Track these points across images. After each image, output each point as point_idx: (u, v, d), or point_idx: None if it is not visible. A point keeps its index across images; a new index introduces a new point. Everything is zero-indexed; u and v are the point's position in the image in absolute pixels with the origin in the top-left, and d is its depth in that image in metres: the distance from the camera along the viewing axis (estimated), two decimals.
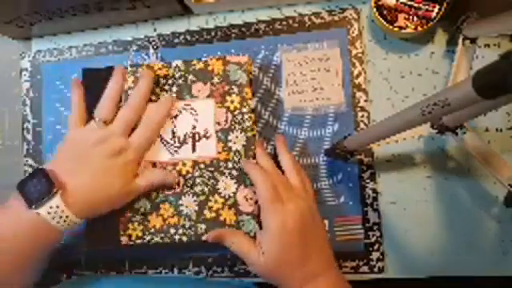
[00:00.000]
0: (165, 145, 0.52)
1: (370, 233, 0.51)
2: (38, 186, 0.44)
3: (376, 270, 0.51)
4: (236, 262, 0.53)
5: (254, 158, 0.51)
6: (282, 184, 0.47)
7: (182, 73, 0.53)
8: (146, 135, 0.50)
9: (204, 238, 0.49)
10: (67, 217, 0.44)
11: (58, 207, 0.43)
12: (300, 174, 0.49)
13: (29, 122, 0.59)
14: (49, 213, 0.43)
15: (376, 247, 0.51)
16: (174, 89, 0.53)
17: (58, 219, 0.44)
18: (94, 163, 0.47)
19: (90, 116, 0.51)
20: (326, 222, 0.51)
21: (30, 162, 0.59)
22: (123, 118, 0.50)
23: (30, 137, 0.59)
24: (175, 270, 0.54)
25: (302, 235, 0.44)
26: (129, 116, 0.50)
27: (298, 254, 0.44)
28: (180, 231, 0.50)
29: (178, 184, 0.51)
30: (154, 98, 0.53)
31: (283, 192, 0.46)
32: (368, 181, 0.52)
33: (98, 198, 0.47)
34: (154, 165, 0.52)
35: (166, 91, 0.53)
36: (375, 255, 0.51)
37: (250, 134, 0.51)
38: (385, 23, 0.50)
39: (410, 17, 0.50)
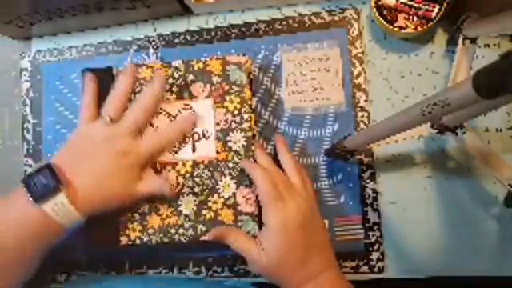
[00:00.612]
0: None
1: (370, 233, 0.51)
2: (44, 181, 0.43)
3: (376, 270, 0.51)
4: (236, 261, 0.53)
5: (254, 158, 0.51)
6: (283, 182, 0.47)
7: (182, 73, 0.53)
8: (157, 142, 0.49)
9: (205, 237, 0.49)
10: (70, 213, 0.44)
11: (62, 203, 0.43)
12: (300, 173, 0.49)
13: (29, 122, 0.59)
14: (53, 209, 0.43)
15: (376, 247, 0.51)
16: (174, 89, 0.53)
17: (61, 215, 0.43)
18: (99, 162, 0.47)
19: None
20: (326, 221, 0.51)
21: (30, 161, 0.59)
22: (132, 117, 0.48)
23: (29, 137, 0.59)
24: (175, 270, 0.54)
25: (303, 234, 0.44)
26: (138, 116, 0.49)
27: (298, 253, 0.44)
28: (179, 231, 0.50)
29: (177, 184, 0.51)
30: None
31: (284, 190, 0.46)
32: (368, 181, 0.52)
33: (101, 197, 0.46)
34: (158, 170, 0.51)
35: (166, 91, 0.53)
36: (375, 255, 0.51)
37: (249, 135, 0.51)
38: (385, 23, 0.50)
39: (410, 17, 0.50)
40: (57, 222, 0.43)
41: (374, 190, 0.51)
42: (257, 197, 0.49)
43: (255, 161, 0.50)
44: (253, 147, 0.51)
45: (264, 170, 0.48)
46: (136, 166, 0.48)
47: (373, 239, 0.51)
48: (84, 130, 0.49)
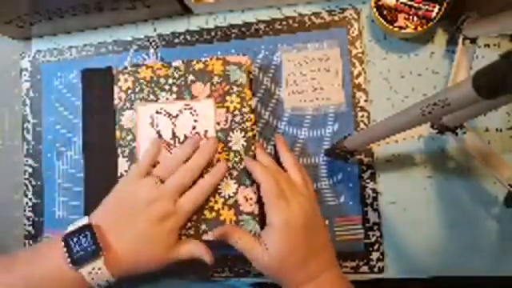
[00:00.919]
0: (165, 145, 0.52)
1: (370, 233, 0.51)
2: (85, 244, 0.43)
3: (376, 270, 0.51)
4: (236, 262, 0.53)
5: (255, 158, 0.51)
6: (285, 181, 0.47)
7: (182, 73, 0.53)
8: (195, 201, 0.48)
9: (207, 236, 0.49)
10: (106, 277, 0.43)
11: (99, 269, 0.43)
12: (301, 173, 0.49)
13: (29, 122, 0.59)
14: (89, 273, 0.43)
15: (376, 247, 0.51)
16: (174, 89, 0.53)
17: (96, 280, 0.43)
18: (140, 227, 0.46)
19: (92, 114, 0.51)
20: (326, 222, 0.51)
21: (30, 161, 0.59)
22: (177, 182, 0.48)
23: (29, 137, 0.59)
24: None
25: (305, 234, 0.45)
26: (184, 180, 0.48)
27: (300, 253, 0.44)
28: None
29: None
30: (153, 98, 0.53)
31: (286, 189, 0.46)
32: (368, 181, 0.52)
33: (139, 262, 0.45)
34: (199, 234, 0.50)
35: (166, 91, 0.53)
36: (375, 255, 0.51)
37: (249, 135, 0.51)
38: (385, 23, 0.50)
39: (410, 17, 0.50)
40: (91, 285, 0.43)
41: (374, 190, 0.51)
42: (258, 196, 0.49)
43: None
44: (253, 147, 0.51)
45: (266, 169, 0.48)
46: (175, 229, 0.47)
47: (373, 239, 0.51)
48: (131, 186, 0.48)
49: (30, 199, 0.58)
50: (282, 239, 0.44)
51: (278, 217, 0.45)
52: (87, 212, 0.52)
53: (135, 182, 0.48)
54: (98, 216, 0.47)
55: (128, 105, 0.53)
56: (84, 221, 0.45)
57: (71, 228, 0.44)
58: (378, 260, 0.51)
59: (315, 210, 0.47)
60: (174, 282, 0.53)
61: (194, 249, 0.47)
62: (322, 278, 0.44)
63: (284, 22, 0.55)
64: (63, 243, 0.43)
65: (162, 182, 0.48)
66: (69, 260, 0.42)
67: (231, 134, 0.51)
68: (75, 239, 0.43)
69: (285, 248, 0.44)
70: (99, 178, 0.53)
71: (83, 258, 0.42)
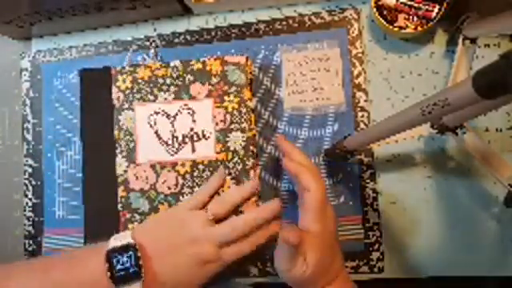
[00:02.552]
0: (164, 145, 0.52)
1: (370, 233, 0.51)
2: (127, 264, 0.41)
3: (376, 270, 0.51)
4: (236, 262, 0.53)
5: (254, 157, 0.51)
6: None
7: (180, 73, 0.53)
8: (240, 254, 0.45)
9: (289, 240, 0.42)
10: None
11: None
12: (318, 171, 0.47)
13: (29, 122, 0.59)
14: None
15: (376, 247, 0.51)
16: (172, 89, 0.53)
17: None
18: (182, 261, 0.44)
19: (90, 114, 0.51)
20: None
21: (30, 161, 0.59)
22: (227, 231, 0.45)
23: (29, 137, 0.59)
24: None
25: (330, 241, 0.44)
26: (237, 234, 0.45)
27: (330, 256, 0.43)
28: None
29: (176, 185, 0.51)
30: (152, 98, 0.53)
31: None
32: (368, 181, 0.52)
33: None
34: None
35: (164, 91, 0.53)
36: (375, 255, 0.51)
37: (248, 135, 0.51)
38: (385, 23, 0.50)
39: (410, 17, 0.50)
40: None
41: (373, 190, 0.51)
42: (258, 196, 0.49)
43: (257, 157, 0.50)
44: (252, 147, 0.51)
45: (314, 173, 0.44)
46: (214, 273, 0.45)
47: (373, 239, 0.51)
48: (184, 215, 0.46)
49: (30, 199, 0.58)
50: (321, 246, 0.42)
51: (319, 224, 0.43)
52: (86, 213, 0.52)
53: (188, 212, 0.46)
54: (142, 234, 0.45)
55: (126, 105, 0.53)
56: (128, 238, 0.43)
57: (115, 243, 0.43)
58: (378, 260, 0.51)
59: (333, 213, 0.45)
60: None
61: None
62: (340, 279, 0.43)
63: (284, 22, 0.55)
64: (105, 258, 0.42)
65: (215, 219, 0.46)
66: (109, 276, 0.41)
67: (230, 134, 0.51)
68: (119, 256, 0.42)
69: (322, 255, 0.42)
70: (98, 178, 0.53)
71: (124, 278, 0.41)
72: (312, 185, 0.43)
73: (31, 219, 0.58)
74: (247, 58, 0.53)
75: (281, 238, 0.41)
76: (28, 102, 0.60)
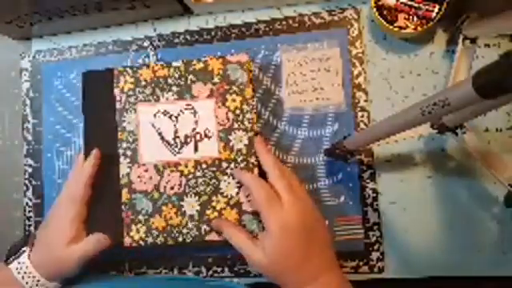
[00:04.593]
0: (167, 146, 0.52)
1: (370, 233, 0.51)
2: (16, 242, 0.47)
3: (376, 270, 0.51)
4: (236, 262, 0.53)
5: (256, 156, 0.51)
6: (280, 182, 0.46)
7: (182, 73, 0.53)
8: None
9: (210, 237, 0.49)
10: (34, 277, 0.46)
11: (24, 264, 0.45)
12: (285, 174, 0.47)
13: (29, 122, 0.59)
14: (17, 269, 0.45)
15: (376, 247, 0.51)
16: (175, 89, 0.53)
17: (26, 278, 0.45)
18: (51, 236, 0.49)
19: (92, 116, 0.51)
20: (326, 222, 0.51)
21: (30, 161, 0.59)
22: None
23: (30, 137, 0.59)
24: (175, 270, 0.54)
25: (303, 236, 0.44)
26: None
27: (299, 254, 0.44)
28: (183, 231, 0.50)
29: (180, 185, 0.51)
30: (154, 98, 0.53)
31: (282, 191, 0.45)
32: (368, 181, 0.52)
33: (50, 259, 0.47)
34: None
35: (166, 92, 0.53)
36: (375, 255, 0.51)
37: (252, 133, 0.51)
38: (385, 23, 0.50)
39: (410, 17, 0.50)
40: (22, 284, 0.45)
41: (374, 190, 0.51)
42: None
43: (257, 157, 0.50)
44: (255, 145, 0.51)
45: (254, 175, 0.48)
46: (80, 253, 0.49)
47: (373, 239, 0.51)
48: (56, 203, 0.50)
49: (30, 199, 0.58)
50: (279, 243, 0.43)
51: (274, 222, 0.44)
52: (90, 214, 0.52)
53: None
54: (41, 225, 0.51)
55: (129, 106, 0.53)
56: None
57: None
58: (378, 260, 0.51)
59: (314, 212, 0.46)
60: (170, 280, 0.53)
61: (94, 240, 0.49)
62: (322, 280, 0.43)
63: (284, 22, 0.55)
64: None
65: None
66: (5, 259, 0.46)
67: (233, 133, 0.51)
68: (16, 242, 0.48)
69: (282, 251, 0.43)
70: (101, 180, 0.53)
71: (12, 254, 0.45)
72: (250, 186, 0.46)
73: (31, 219, 0.58)
74: (248, 55, 0.52)
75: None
76: (28, 101, 0.60)
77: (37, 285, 0.46)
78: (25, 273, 0.45)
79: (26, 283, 0.45)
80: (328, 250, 0.45)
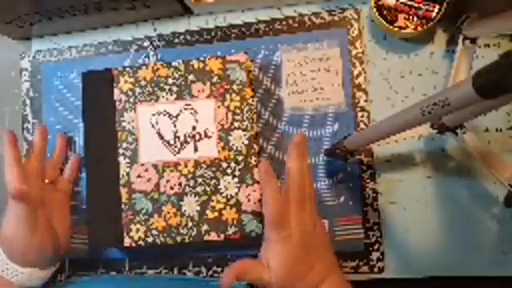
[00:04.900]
0: (166, 146, 0.52)
1: (370, 233, 0.51)
2: None
3: (376, 270, 0.51)
4: (236, 262, 0.53)
5: (256, 156, 0.51)
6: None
7: (182, 73, 0.53)
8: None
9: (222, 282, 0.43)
10: (7, 264, 0.46)
11: None
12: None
13: (29, 122, 0.59)
14: None
15: (376, 247, 0.51)
16: (174, 89, 0.53)
17: (2, 268, 0.46)
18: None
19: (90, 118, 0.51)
20: (326, 222, 0.51)
21: None
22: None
23: (30, 137, 0.59)
24: (175, 270, 0.54)
25: (304, 246, 0.42)
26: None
27: (302, 264, 0.42)
28: (183, 231, 0.50)
29: (180, 185, 0.51)
30: (153, 98, 0.53)
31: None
32: (368, 181, 0.52)
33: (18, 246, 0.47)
34: None
35: (166, 91, 0.53)
36: (375, 255, 0.51)
37: (251, 133, 0.51)
38: (385, 23, 0.50)
39: (410, 17, 0.50)
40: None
41: (373, 190, 0.51)
42: (260, 195, 0.49)
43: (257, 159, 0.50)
44: (255, 145, 0.51)
45: (277, 190, 0.43)
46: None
47: (373, 239, 0.51)
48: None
49: None
50: (281, 253, 0.42)
51: (278, 235, 0.42)
52: (89, 213, 0.52)
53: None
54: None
55: (128, 106, 0.53)
56: None
57: None
58: (378, 260, 0.51)
59: (313, 218, 0.44)
60: (170, 280, 0.53)
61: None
62: (326, 284, 0.42)
63: (284, 22, 0.55)
64: None
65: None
66: None
67: (232, 133, 0.51)
68: None
69: (286, 261, 0.42)
70: (101, 179, 0.53)
71: None
72: (267, 199, 0.42)
73: None
74: (247, 55, 0.52)
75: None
76: (28, 101, 0.60)
77: (14, 273, 0.46)
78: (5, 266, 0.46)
79: (3, 272, 0.46)
80: (328, 254, 0.44)
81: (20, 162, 0.49)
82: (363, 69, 0.53)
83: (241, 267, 0.43)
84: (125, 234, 0.51)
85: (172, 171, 0.51)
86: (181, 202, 0.51)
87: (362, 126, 0.52)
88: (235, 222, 0.50)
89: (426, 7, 0.49)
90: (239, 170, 0.51)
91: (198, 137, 0.52)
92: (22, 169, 0.48)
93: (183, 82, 0.53)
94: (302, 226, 0.42)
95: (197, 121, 0.52)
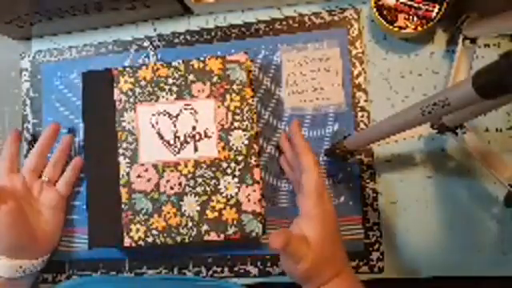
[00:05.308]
0: (166, 146, 0.52)
1: (370, 233, 0.51)
2: None
3: (376, 269, 0.51)
4: (236, 262, 0.53)
5: (256, 156, 0.51)
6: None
7: (182, 73, 0.53)
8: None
9: (269, 241, 0.41)
10: None
11: None
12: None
13: (29, 122, 0.59)
14: None
15: (376, 247, 0.51)
16: (174, 89, 0.53)
17: None
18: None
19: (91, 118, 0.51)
20: None
21: None
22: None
23: (29, 137, 0.59)
24: (175, 270, 0.54)
25: (335, 229, 0.44)
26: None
27: (330, 248, 0.43)
28: (183, 231, 0.50)
29: (180, 185, 0.51)
30: (153, 98, 0.53)
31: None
32: (368, 181, 0.52)
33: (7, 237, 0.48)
34: None
35: (166, 92, 0.53)
36: (375, 255, 0.51)
37: (251, 133, 0.51)
38: (385, 23, 0.50)
39: (410, 17, 0.50)
40: None
41: (373, 190, 0.51)
42: (261, 195, 0.49)
43: (258, 154, 0.50)
44: (255, 145, 0.51)
45: (317, 162, 0.45)
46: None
47: (373, 239, 0.51)
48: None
49: None
50: (321, 228, 0.42)
51: (319, 208, 0.43)
52: (89, 213, 0.52)
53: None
54: None
55: (128, 106, 0.53)
56: None
57: None
58: (378, 260, 0.51)
59: (332, 205, 0.45)
60: (170, 280, 0.53)
61: None
62: (343, 276, 0.43)
63: (284, 22, 0.55)
64: None
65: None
66: None
67: (232, 133, 0.51)
68: None
69: (324, 236, 0.42)
70: (101, 179, 0.53)
71: None
72: (313, 168, 0.43)
73: None
74: (247, 55, 0.52)
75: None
76: (28, 101, 0.60)
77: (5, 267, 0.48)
78: None
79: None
80: (343, 248, 0.45)
81: (12, 157, 0.52)
82: (363, 69, 0.53)
83: (288, 235, 0.41)
84: (125, 233, 0.51)
85: (172, 171, 0.51)
86: (181, 202, 0.51)
87: (362, 125, 0.52)
88: (235, 222, 0.50)
89: (426, 7, 0.49)
90: (239, 170, 0.51)
91: (197, 137, 0.52)
92: (11, 163, 0.52)
93: (183, 82, 0.53)
94: (329, 206, 0.43)
95: (197, 121, 0.52)
